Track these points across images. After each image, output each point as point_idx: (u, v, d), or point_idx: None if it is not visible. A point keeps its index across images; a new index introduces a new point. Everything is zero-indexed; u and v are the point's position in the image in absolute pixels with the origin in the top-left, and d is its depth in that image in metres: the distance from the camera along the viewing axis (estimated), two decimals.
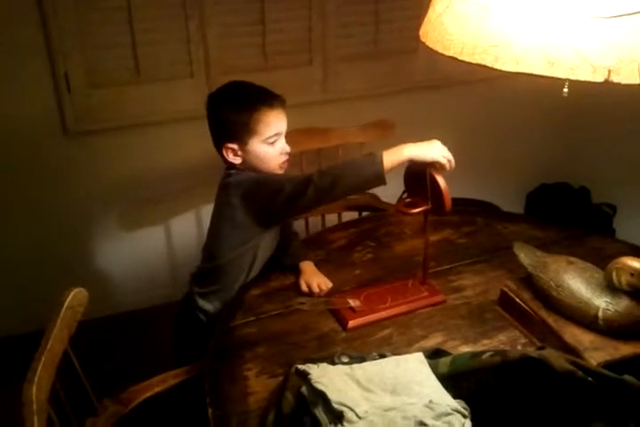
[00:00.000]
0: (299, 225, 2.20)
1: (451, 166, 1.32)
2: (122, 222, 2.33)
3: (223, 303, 1.57)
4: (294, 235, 1.75)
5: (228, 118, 1.45)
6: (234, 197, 1.45)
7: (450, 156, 1.32)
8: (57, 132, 2.09)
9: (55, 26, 1.93)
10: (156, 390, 1.44)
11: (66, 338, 1.25)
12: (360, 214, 2.22)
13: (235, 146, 1.47)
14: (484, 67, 0.99)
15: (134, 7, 1.98)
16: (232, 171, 1.51)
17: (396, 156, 1.31)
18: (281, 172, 1.52)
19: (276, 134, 1.47)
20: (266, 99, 1.45)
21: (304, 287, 1.53)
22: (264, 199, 1.42)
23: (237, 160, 1.49)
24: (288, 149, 1.50)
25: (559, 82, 0.97)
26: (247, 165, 1.50)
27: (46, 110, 2.05)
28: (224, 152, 1.49)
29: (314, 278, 1.54)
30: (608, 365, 1.17)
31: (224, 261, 1.54)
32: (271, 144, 1.47)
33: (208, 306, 1.60)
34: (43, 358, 1.14)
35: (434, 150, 1.31)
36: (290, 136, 2.08)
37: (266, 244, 1.57)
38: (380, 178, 1.31)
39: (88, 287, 1.31)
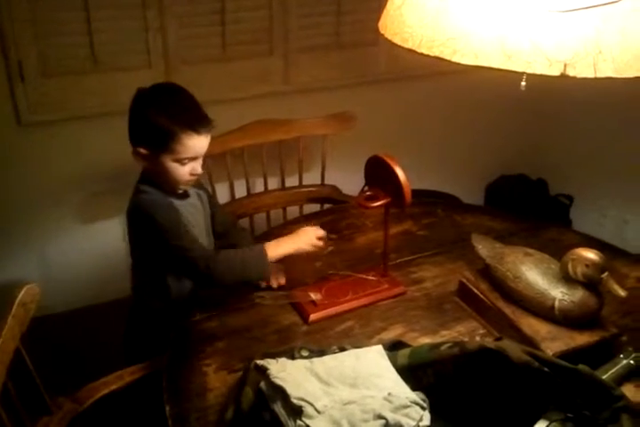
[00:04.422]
0: (260, 217, 2.19)
1: (324, 248, 1.43)
2: (77, 215, 2.28)
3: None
4: (242, 232, 1.70)
5: (151, 123, 1.38)
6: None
7: (319, 242, 1.45)
8: (10, 122, 2.03)
9: (7, 12, 1.86)
10: (113, 387, 1.41)
11: (17, 335, 1.21)
12: (322, 207, 2.21)
13: (145, 152, 1.41)
14: (443, 59, 0.99)
15: None
16: (145, 187, 1.45)
17: (278, 251, 1.43)
18: (184, 188, 1.48)
19: (192, 158, 1.41)
20: (196, 122, 1.38)
21: (263, 283, 1.51)
22: (158, 243, 1.44)
23: (143, 163, 1.44)
24: (199, 171, 1.44)
25: (518, 75, 0.97)
26: (152, 171, 1.44)
27: None
28: (134, 152, 1.43)
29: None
30: (564, 354, 1.20)
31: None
32: (182, 164, 1.40)
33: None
34: None
35: (304, 241, 1.44)
36: (250, 128, 2.08)
37: None
38: (261, 277, 1.46)
39: (41, 283, 1.28)
